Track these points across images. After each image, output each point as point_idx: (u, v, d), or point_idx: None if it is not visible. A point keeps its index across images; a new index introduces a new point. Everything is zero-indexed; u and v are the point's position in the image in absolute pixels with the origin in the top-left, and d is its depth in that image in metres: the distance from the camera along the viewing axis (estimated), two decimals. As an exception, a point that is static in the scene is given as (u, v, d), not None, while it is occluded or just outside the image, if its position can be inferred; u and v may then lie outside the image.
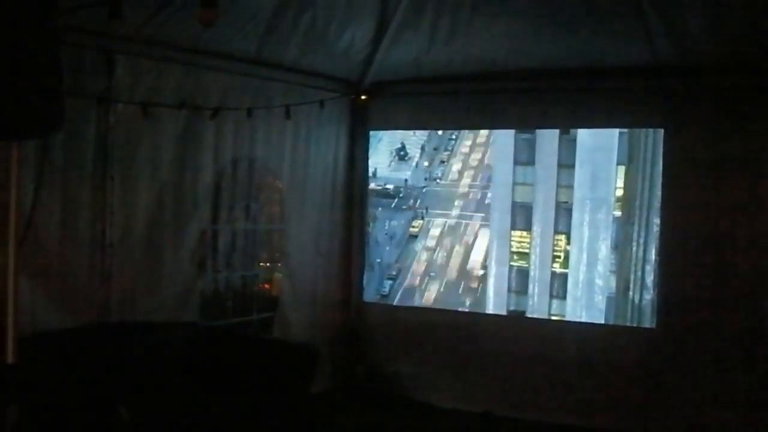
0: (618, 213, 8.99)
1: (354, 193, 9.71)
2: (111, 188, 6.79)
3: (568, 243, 9.28)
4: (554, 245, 9.43)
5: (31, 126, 4.07)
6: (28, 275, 6.05)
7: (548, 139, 9.37)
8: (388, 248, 10.03)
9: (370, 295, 9.84)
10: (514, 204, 9.74)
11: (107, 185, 6.77)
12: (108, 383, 5.64)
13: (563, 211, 9.32)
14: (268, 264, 9.01)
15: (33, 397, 5.08)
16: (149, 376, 6.11)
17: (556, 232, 9.42)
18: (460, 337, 9.14)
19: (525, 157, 9.63)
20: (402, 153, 10.16)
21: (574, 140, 9.22)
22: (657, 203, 8.35)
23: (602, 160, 9.13)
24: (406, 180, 10.12)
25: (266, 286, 9.00)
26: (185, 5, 6.20)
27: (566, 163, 9.28)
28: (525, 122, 9.17)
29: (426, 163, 10.15)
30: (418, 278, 9.98)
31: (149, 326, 6.77)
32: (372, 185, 9.89)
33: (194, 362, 6.59)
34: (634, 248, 8.77)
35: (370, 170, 9.79)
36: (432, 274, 10.01)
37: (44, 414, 5.13)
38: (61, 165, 6.38)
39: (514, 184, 9.76)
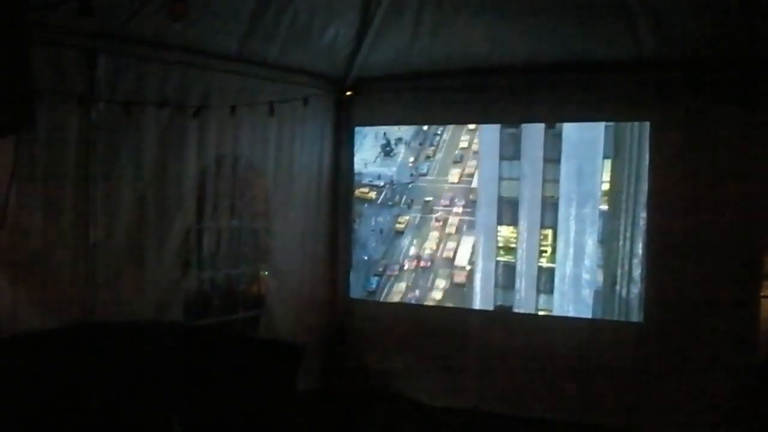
0: (604, 207, 8.93)
1: (339, 190, 9.70)
2: (94, 188, 6.79)
3: (555, 238, 9.23)
4: (541, 240, 9.38)
5: None
6: (9, 275, 6.05)
7: (534, 133, 9.32)
8: (374, 244, 9.98)
9: (356, 292, 9.81)
10: (500, 199, 9.67)
11: (90, 185, 6.76)
12: (90, 384, 5.59)
13: (549, 206, 9.27)
14: (253, 262, 8.95)
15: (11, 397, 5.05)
16: (133, 376, 6.07)
17: (543, 226, 9.36)
18: (447, 332, 9.14)
19: (510, 152, 9.57)
20: (388, 149, 10.11)
21: (560, 134, 9.17)
22: (643, 197, 8.34)
23: (588, 154, 9.08)
24: (391, 179, 10.06)
25: (252, 284, 8.94)
26: (165, 3, 6.16)
27: (552, 158, 9.23)
28: (510, 117, 9.17)
29: (411, 159, 10.10)
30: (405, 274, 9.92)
31: (133, 326, 6.74)
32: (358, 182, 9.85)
33: (179, 361, 6.55)
34: (621, 242, 8.75)
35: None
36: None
37: (22, 415, 5.08)
38: (43, 164, 6.37)
39: (500, 179, 9.69)
